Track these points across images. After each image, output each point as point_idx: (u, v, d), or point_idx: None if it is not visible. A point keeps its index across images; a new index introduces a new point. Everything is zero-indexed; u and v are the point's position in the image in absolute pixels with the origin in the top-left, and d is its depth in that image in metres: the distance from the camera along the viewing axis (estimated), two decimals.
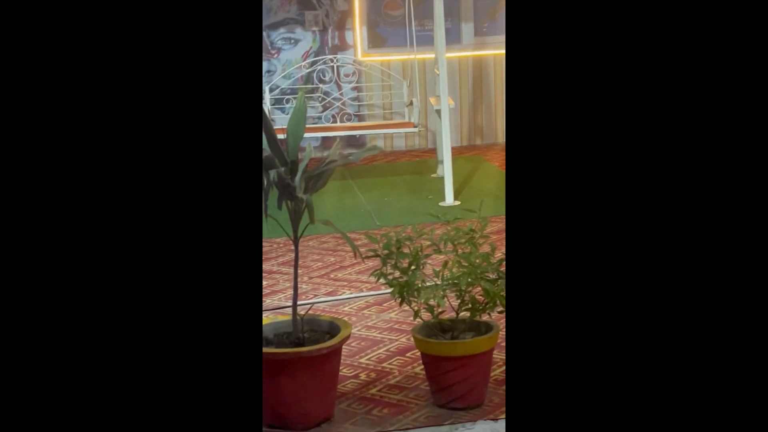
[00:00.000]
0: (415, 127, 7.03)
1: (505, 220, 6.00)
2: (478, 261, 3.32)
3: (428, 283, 3.33)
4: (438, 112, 6.69)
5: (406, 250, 3.35)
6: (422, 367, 3.43)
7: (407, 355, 3.78)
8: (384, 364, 3.73)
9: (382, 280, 3.34)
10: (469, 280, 3.27)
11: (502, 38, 8.11)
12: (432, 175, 7.35)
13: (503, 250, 3.32)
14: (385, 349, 3.91)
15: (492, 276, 3.32)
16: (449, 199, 6.49)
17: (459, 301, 3.33)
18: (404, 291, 3.29)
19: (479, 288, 3.30)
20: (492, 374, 3.46)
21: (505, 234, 4.52)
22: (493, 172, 7.63)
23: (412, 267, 3.32)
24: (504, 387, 3.40)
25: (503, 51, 8.17)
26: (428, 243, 3.41)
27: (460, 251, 3.36)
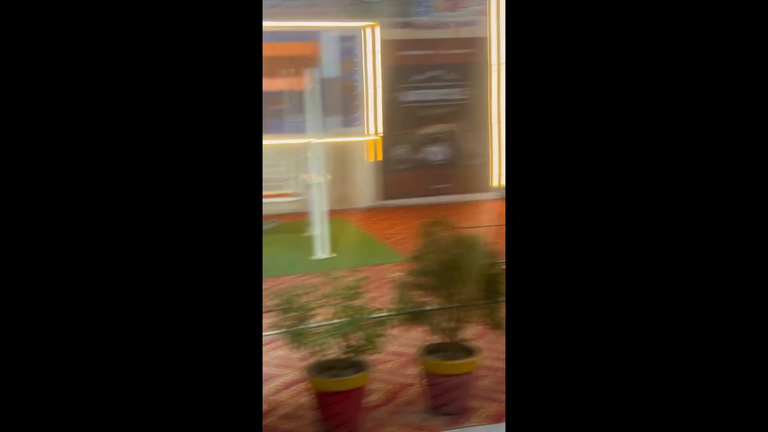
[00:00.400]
0: (296, 196, 7.14)
1: (367, 269, 5.91)
2: (357, 311, 3.27)
3: (315, 325, 3.27)
4: (309, 186, 6.77)
5: (300, 301, 3.29)
6: (310, 398, 3.34)
7: (294, 388, 3.68)
8: (275, 396, 3.62)
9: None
10: (351, 327, 3.22)
11: (361, 128, 8.23)
12: (304, 234, 7.24)
13: (371, 294, 3.40)
14: (277, 382, 3.79)
15: (369, 323, 3.27)
16: (321, 253, 6.43)
17: (343, 344, 3.26)
18: (298, 338, 3.21)
19: (358, 333, 3.23)
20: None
21: (370, 281, 4.44)
22: (353, 231, 7.70)
23: (305, 318, 3.26)
24: (373, 413, 3.43)
25: (359, 138, 8.30)
26: (317, 297, 3.34)
27: (342, 303, 3.29)
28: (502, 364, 3.76)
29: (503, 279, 3.43)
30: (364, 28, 7.79)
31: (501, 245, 4.88)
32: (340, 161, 8.41)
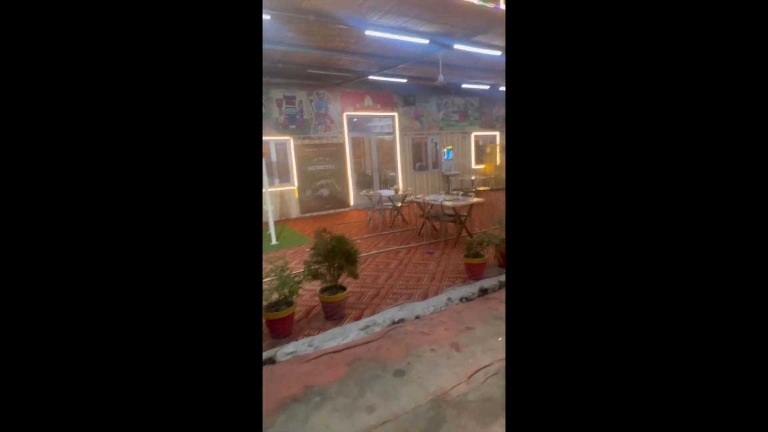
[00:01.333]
0: None
1: (293, 248, 5.11)
2: (285, 277, 2.72)
3: (266, 285, 2.68)
4: (267, 210, 5.89)
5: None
6: (264, 322, 2.72)
7: None
8: None
9: None
10: (282, 286, 2.68)
11: (290, 182, 7.40)
12: (266, 232, 6.32)
13: (291, 265, 2.81)
14: None
15: (291, 284, 2.72)
16: (274, 241, 5.60)
17: (278, 294, 2.71)
18: None
19: (285, 288, 2.70)
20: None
21: (294, 255, 3.76)
22: (288, 229, 6.86)
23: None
24: (297, 324, 2.76)
25: (290, 187, 7.46)
26: (265, 273, 2.74)
27: (277, 274, 2.73)
28: (359, 290, 3.39)
29: (356, 253, 3.00)
30: (288, 139, 7.23)
31: (353, 234, 4.27)
32: (280, 198, 7.55)
